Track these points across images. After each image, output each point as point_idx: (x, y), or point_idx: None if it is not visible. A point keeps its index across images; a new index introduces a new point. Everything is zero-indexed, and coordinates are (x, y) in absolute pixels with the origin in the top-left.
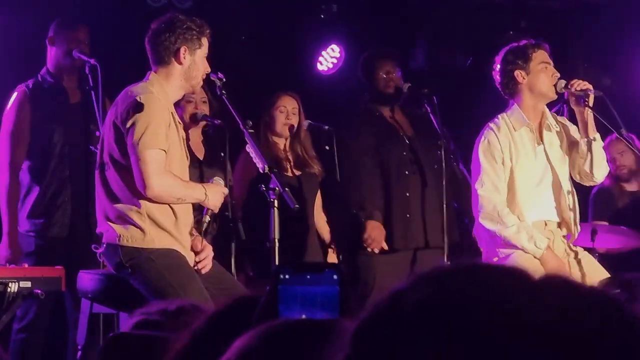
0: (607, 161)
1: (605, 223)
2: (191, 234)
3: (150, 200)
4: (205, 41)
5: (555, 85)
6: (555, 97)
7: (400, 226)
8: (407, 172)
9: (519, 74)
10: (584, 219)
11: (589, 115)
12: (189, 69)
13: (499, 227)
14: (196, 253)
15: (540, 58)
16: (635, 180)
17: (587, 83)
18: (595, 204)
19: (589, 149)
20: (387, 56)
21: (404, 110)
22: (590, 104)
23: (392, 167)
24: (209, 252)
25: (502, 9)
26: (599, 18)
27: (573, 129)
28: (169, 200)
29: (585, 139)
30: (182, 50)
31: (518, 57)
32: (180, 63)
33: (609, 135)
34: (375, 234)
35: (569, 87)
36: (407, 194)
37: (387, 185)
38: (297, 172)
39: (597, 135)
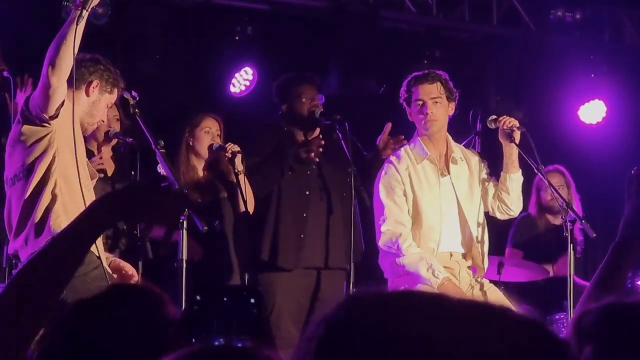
0: (542, 191)
1: (520, 252)
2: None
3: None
4: (115, 93)
5: (484, 122)
6: (428, 130)
7: (292, 246)
8: (307, 192)
9: (407, 110)
10: (499, 250)
11: (515, 151)
12: (92, 105)
13: (400, 257)
14: (129, 277)
15: (415, 95)
16: (559, 215)
17: (514, 120)
18: (517, 230)
19: (511, 184)
20: (310, 81)
21: (317, 135)
22: (517, 141)
23: (292, 186)
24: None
25: (417, 37)
26: (512, 50)
27: (483, 164)
28: None
29: (509, 175)
30: (94, 83)
31: (404, 93)
32: (87, 95)
33: (546, 167)
34: None
35: (498, 123)
36: (305, 214)
37: (284, 203)
38: (215, 194)
39: (519, 172)
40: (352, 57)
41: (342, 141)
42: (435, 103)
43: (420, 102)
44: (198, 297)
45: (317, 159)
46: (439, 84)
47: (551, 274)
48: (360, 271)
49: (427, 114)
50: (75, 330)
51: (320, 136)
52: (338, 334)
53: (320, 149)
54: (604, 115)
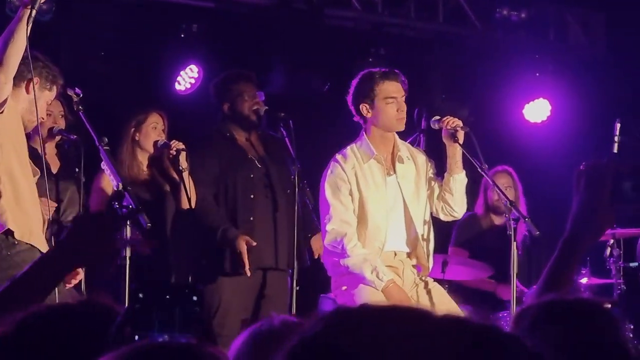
0: (489, 191)
1: (463, 250)
2: None
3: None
4: (54, 90)
5: (429, 121)
6: (402, 129)
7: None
8: (252, 196)
9: (364, 107)
10: (444, 248)
11: (458, 152)
12: (32, 102)
13: (345, 258)
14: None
15: (385, 92)
16: (504, 215)
17: (458, 120)
18: (460, 229)
19: (455, 185)
20: (249, 78)
21: (260, 133)
22: (461, 141)
23: (237, 190)
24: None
25: (362, 35)
26: (457, 49)
27: (430, 163)
28: None
29: (453, 176)
30: (34, 80)
31: (365, 90)
32: (27, 92)
33: (495, 167)
34: (242, 247)
35: (441, 123)
36: (252, 218)
37: (230, 208)
38: (159, 190)
39: (463, 173)
40: (297, 54)
41: (286, 139)
42: (404, 101)
43: (392, 100)
44: (140, 295)
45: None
46: (403, 82)
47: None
48: (305, 270)
49: (403, 111)
50: (21, 345)
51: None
52: (314, 353)
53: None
54: (548, 114)
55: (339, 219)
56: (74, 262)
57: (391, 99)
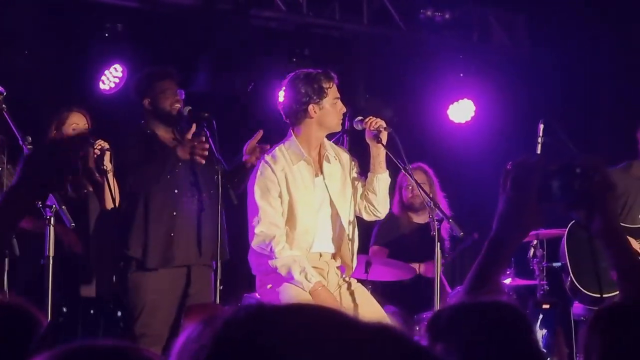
0: (403, 189)
1: (384, 249)
2: None
3: None
4: None
5: (352, 122)
6: (340, 129)
7: (162, 244)
8: (176, 191)
9: (312, 108)
10: (366, 248)
11: (382, 152)
12: None
13: (273, 259)
14: None
15: (333, 94)
16: (423, 214)
17: (380, 120)
18: (379, 229)
19: (378, 184)
20: (170, 76)
21: (180, 131)
22: (384, 142)
23: (160, 187)
24: None
25: (287, 35)
26: (382, 49)
27: (354, 162)
28: None
29: (376, 175)
30: None
31: (314, 91)
32: None
33: (410, 164)
34: None
35: (365, 124)
36: (174, 213)
37: (153, 203)
38: (81, 189)
39: (386, 172)
40: (222, 54)
41: (209, 139)
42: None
43: (337, 100)
44: (64, 309)
45: (203, 161)
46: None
47: (418, 272)
48: (229, 267)
49: (341, 111)
50: None
51: (204, 138)
52: (227, 352)
53: (205, 152)
54: (472, 114)
55: (267, 222)
56: (37, 189)
57: (337, 99)
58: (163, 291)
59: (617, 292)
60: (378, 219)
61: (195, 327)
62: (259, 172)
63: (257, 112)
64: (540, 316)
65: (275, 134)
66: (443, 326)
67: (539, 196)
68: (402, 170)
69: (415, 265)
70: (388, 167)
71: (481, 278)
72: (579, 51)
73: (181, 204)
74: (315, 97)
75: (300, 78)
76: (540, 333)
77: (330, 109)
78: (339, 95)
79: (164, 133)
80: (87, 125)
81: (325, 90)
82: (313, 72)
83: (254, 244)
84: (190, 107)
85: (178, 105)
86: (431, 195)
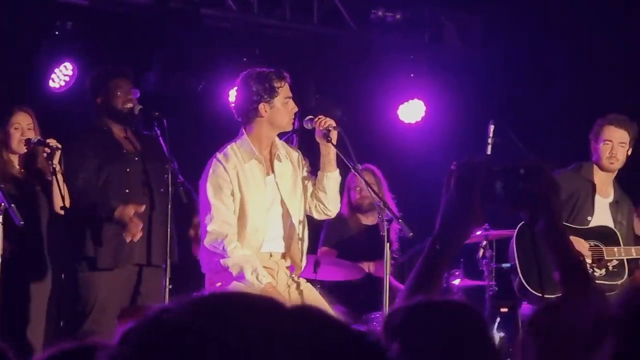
0: (352, 190)
1: (333, 250)
2: None
3: None
4: None
5: (302, 121)
6: (291, 129)
7: (112, 244)
8: (127, 191)
9: (263, 106)
10: (313, 248)
11: (332, 151)
12: None
13: (225, 258)
14: None
15: (285, 93)
16: (372, 215)
17: (330, 119)
18: (328, 230)
19: (328, 183)
20: (124, 75)
21: (134, 131)
22: (334, 141)
23: (112, 186)
24: None
25: (238, 35)
26: (333, 49)
27: (304, 161)
28: None
29: (326, 174)
30: None
31: (265, 90)
32: None
33: (364, 165)
34: (127, 214)
35: (314, 123)
36: None
37: (103, 203)
38: (30, 188)
39: (337, 171)
40: (173, 54)
41: (160, 138)
42: None
43: (289, 100)
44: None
45: None
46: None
47: (368, 271)
48: (181, 266)
49: (292, 110)
50: None
51: None
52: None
53: None
54: (423, 114)
55: (220, 220)
56: None
57: (288, 98)
58: (114, 290)
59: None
60: (328, 217)
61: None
62: (211, 170)
63: (209, 111)
64: (498, 319)
65: (228, 133)
66: (399, 325)
67: (482, 196)
68: (352, 170)
69: (366, 265)
70: (338, 167)
71: (424, 277)
72: (530, 52)
73: (131, 204)
74: (266, 96)
75: (252, 77)
76: (498, 336)
77: (281, 108)
78: (290, 95)
79: (118, 131)
80: (31, 124)
81: (277, 89)
82: (265, 71)
83: (206, 241)
84: (141, 106)
85: (130, 105)
86: (380, 196)
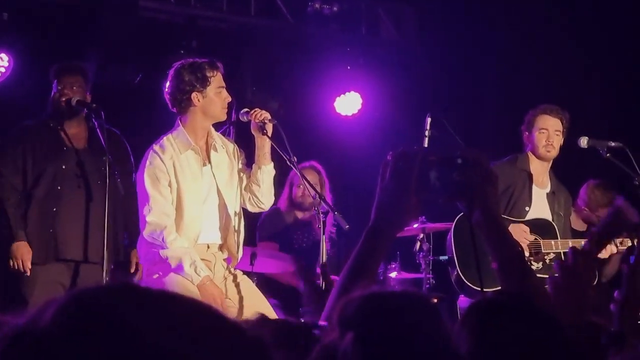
0: (294, 186)
1: (274, 244)
2: None
3: None
4: None
5: (238, 113)
6: (225, 118)
7: (42, 240)
8: (59, 187)
9: (195, 96)
10: (250, 240)
11: (267, 144)
12: None
13: (164, 249)
14: None
15: (217, 82)
16: (310, 212)
17: (266, 112)
18: (265, 222)
19: (262, 176)
20: (73, 70)
21: (82, 124)
22: (269, 134)
23: (45, 181)
24: None
25: (173, 27)
26: (269, 42)
27: (240, 153)
28: None
29: (261, 167)
30: None
31: (197, 79)
32: None
33: (302, 163)
34: (20, 254)
35: (250, 115)
36: (55, 209)
37: (37, 199)
38: None
39: (271, 164)
40: (110, 45)
41: (97, 130)
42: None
43: (222, 89)
44: None
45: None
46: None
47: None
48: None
49: (227, 100)
50: None
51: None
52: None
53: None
54: (359, 107)
55: (158, 211)
56: None
57: (221, 88)
58: (49, 284)
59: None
60: (262, 210)
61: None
62: (148, 162)
63: (147, 103)
64: None
65: (165, 125)
66: (352, 316)
67: (418, 186)
68: (287, 162)
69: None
70: (274, 160)
71: (359, 268)
72: (466, 45)
73: (64, 200)
74: (198, 86)
75: (184, 67)
76: None
77: (214, 98)
78: (223, 84)
79: (68, 127)
80: None
81: (209, 79)
82: (198, 61)
83: (146, 232)
84: (78, 98)
85: (72, 97)
86: (319, 191)
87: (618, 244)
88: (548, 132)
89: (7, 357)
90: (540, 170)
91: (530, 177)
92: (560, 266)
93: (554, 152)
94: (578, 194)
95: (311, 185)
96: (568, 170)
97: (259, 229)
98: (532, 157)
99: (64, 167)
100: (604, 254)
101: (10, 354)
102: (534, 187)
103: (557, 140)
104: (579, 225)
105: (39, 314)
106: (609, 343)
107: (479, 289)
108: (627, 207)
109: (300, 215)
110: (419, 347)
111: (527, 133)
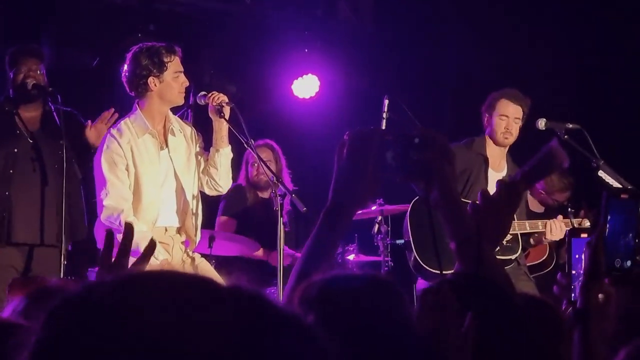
0: (249, 165)
1: (233, 220)
2: None
3: None
4: None
5: (196, 97)
6: (182, 103)
7: None
8: (11, 171)
9: (152, 80)
10: (208, 224)
11: (224, 127)
12: None
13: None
14: None
15: (175, 67)
16: (268, 191)
17: (223, 95)
18: (228, 200)
19: (219, 159)
20: (30, 53)
21: (39, 108)
22: (226, 117)
23: None
24: None
25: (130, 10)
26: (227, 25)
27: (198, 137)
28: None
29: (218, 150)
30: None
31: (154, 64)
32: None
33: (257, 142)
34: None
35: (207, 99)
36: (7, 193)
37: None
38: None
39: (229, 147)
40: (66, 29)
41: (54, 113)
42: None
43: (179, 74)
44: None
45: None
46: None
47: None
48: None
49: (185, 85)
50: None
51: None
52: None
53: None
54: (317, 89)
55: (116, 194)
56: None
57: (179, 72)
58: (1, 268)
59: None
60: (220, 193)
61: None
62: (105, 146)
63: (105, 86)
64: None
65: (124, 109)
66: (315, 297)
67: (375, 165)
68: (245, 145)
69: (260, 252)
70: (232, 143)
71: (318, 249)
72: (424, 26)
73: (17, 184)
74: (155, 71)
75: (142, 51)
76: None
77: (171, 82)
78: (181, 69)
79: (24, 111)
80: None
81: (166, 64)
82: (155, 45)
83: (103, 216)
84: (34, 81)
85: (28, 80)
86: (275, 172)
87: (576, 225)
88: (508, 120)
89: None
90: (496, 154)
91: (486, 160)
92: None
93: (512, 139)
94: None
95: (268, 168)
96: (525, 152)
97: (223, 204)
98: (489, 141)
99: (16, 150)
100: (560, 235)
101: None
102: (490, 170)
103: (516, 128)
104: (535, 206)
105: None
106: (575, 320)
107: (438, 271)
108: (559, 149)
109: (260, 193)
110: (380, 328)
111: (487, 115)
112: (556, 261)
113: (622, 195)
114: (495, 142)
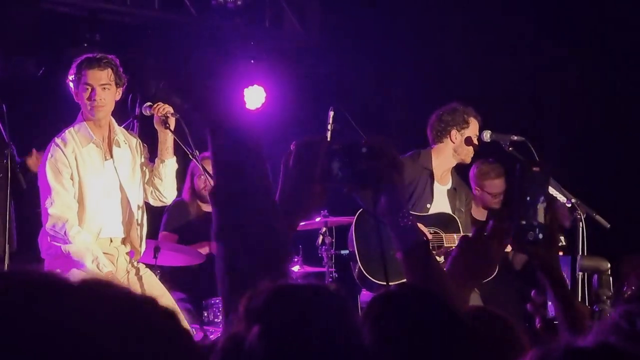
0: (195, 177)
1: (174, 235)
2: None
3: None
4: None
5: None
6: (95, 117)
7: None
8: None
9: (73, 89)
10: (153, 234)
11: (169, 138)
12: None
13: (67, 244)
14: None
15: (85, 79)
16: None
17: (168, 107)
18: (170, 215)
19: (164, 170)
20: None
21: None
22: (172, 128)
23: None
24: None
25: (78, 20)
26: (173, 35)
27: (143, 147)
28: None
29: (163, 160)
30: None
31: (75, 73)
32: None
33: (203, 152)
34: None
35: (153, 110)
36: None
37: None
38: None
39: (173, 158)
40: (11, 38)
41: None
42: (104, 89)
43: (89, 87)
44: None
45: None
46: (110, 70)
47: (209, 251)
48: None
49: (94, 100)
50: None
51: None
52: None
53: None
54: (263, 100)
55: (60, 203)
56: None
57: (88, 86)
58: None
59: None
60: (164, 204)
61: None
62: (49, 155)
63: (50, 96)
64: None
65: (69, 118)
66: (260, 308)
67: (321, 176)
68: (190, 156)
69: (206, 248)
70: (177, 154)
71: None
72: (371, 38)
73: None
74: (70, 79)
75: (82, 62)
76: None
77: (81, 92)
78: (90, 82)
79: None
80: None
81: (79, 73)
82: (89, 57)
83: (48, 225)
84: None
85: None
86: None
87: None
88: (477, 143)
89: None
90: (443, 168)
91: (431, 174)
92: (461, 240)
93: (468, 160)
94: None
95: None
96: (470, 164)
97: (165, 218)
98: (435, 154)
99: None
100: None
101: None
102: (435, 183)
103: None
104: (479, 214)
105: None
106: (544, 329)
107: (383, 282)
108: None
109: (204, 206)
110: (326, 340)
111: (454, 130)
112: (512, 267)
113: (534, 168)
114: (459, 160)
